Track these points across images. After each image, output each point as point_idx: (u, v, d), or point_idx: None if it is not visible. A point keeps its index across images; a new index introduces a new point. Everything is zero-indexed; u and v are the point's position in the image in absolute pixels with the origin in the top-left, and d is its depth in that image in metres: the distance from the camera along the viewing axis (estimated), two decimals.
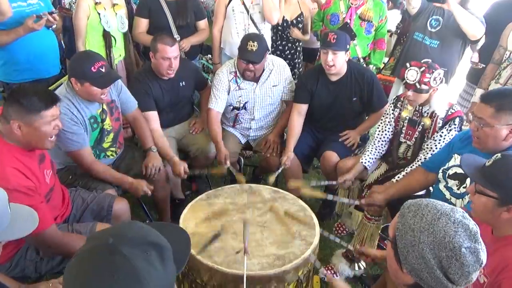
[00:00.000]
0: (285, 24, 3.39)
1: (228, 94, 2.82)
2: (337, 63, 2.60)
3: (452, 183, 1.95)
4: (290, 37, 3.45)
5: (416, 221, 1.06)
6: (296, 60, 3.56)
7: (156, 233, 0.91)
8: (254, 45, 2.58)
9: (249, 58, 2.62)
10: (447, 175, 1.97)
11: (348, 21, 3.15)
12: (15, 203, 1.34)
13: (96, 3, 2.82)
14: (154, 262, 0.84)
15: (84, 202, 2.13)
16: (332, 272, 2.47)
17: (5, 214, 1.23)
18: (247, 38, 2.64)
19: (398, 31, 3.80)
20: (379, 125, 2.58)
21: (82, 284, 0.81)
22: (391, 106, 2.49)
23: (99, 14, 2.83)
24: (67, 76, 2.66)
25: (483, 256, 1.03)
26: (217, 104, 2.80)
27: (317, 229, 1.91)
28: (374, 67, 3.34)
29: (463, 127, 2.29)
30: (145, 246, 0.85)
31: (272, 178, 2.59)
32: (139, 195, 2.30)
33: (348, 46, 2.61)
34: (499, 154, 1.37)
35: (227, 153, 2.65)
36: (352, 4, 3.17)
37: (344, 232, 2.84)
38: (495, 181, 1.32)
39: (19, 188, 1.59)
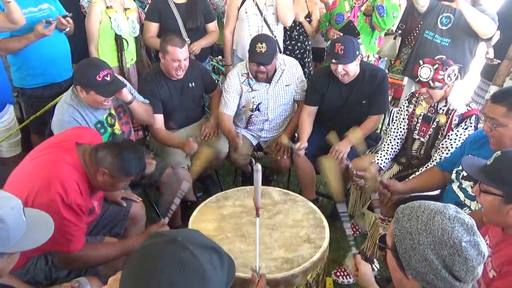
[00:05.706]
0: (293, 24, 3.37)
1: (241, 96, 2.82)
2: (348, 71, 2.56)
3: (466, 184, 1.90)
4: (299, 37, 3.43)
5: (412, 224, 1.06)
6: (306, 59, 3.55)
7: (215, 242, 0.96)
8: (262, 47, 2.57)
9: (259, 60, 2.62)
10: (461, 176, 1.92)
11: (352, 19, 3.12)
12: (30, 209, 1.35)
13: (107, 7, 2.84)
14: (216, 266, 0.89)
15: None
16: (345, 273, 2.44)
17: (20, 223, 1.24)
18: (256, 40, 2.63)
19: (400, 31, 3.59)
20: (394, 123, 2.53)
21: (148, 274, 0.83)
22: (405, 103, 2.44)
23: (110, 18, 2.85)
24: None
25: (484, 248, 1.03)
26: (228, 108, 2.81)
27: (327, 232, 1.89)
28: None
29: (479, 125, 2.23)
30: (209, 249, 0.90)
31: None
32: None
33: (357, 52, 2.55)
34: (499, 152, 1.37)
35: (240, 135, 2.75)
36: (355, 3, 3.14)
37: (357, 233, 2.81)
38: (498, 178, 1.31)
39: (73, 205, 1.63)
